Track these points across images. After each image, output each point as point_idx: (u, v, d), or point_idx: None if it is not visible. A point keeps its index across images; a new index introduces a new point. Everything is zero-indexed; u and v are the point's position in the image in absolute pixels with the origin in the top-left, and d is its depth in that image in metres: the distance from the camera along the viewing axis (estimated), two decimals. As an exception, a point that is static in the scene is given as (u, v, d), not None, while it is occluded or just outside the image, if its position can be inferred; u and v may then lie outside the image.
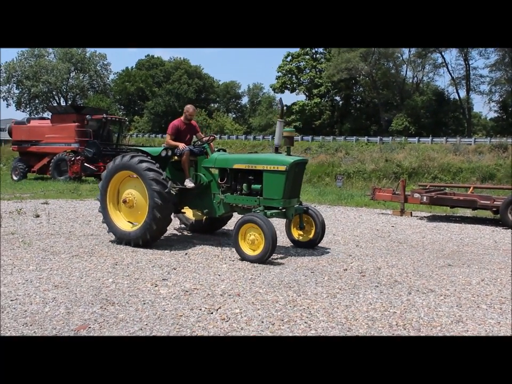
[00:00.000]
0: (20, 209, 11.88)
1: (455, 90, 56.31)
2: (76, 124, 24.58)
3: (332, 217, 12.56)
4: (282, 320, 4.68)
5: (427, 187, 14.71)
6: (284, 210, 7.74)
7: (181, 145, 8.41)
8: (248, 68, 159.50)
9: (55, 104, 65.24)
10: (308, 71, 60.91)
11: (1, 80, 72.02)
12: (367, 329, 4.48)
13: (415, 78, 59.03)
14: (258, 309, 4.98)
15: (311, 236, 8.21)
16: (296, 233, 8.40)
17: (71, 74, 73.99)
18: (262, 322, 4.61)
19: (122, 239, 8.13)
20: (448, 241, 9.42)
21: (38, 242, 8.23)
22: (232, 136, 47.34)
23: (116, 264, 6.79)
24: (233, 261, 7.14)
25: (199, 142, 8.71)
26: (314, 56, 61.64)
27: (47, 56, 73.14)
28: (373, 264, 7.22)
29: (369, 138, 37.81)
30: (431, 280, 6.35)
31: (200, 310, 4.94)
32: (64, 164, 23.83)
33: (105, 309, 4.94)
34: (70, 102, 71.16)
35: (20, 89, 73.05)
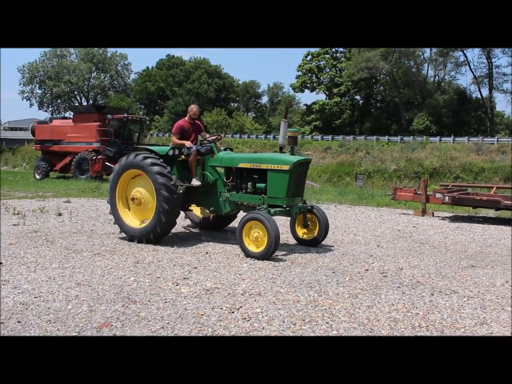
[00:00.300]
0: (43, 208, 12.03)
1: (477, 89, 55.60)
2: (98, 123, 24.83)
3: (352, 217, 12.50)
4: (303, 320, 4.66)
5: (449, 187, 14.57)
6: (288, 208, 7.85)
7: (187, 143, 8.61)
8: (267, 67, 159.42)
9: (77, 104, 65.89)
10: (328, 70, 60.62)
11: (24, 80, 72.94)
12: (389, 330, 4.44)
13: (437, 77, 58.43)
14: (280, 309, 4.97)
15: (315, 234, 8.30)
16: (300, 232, 8.49)
17: (93, 74, 74.61)
18: (283, 322, 4.60)
19: (134, 236, 8.29)
20: (471, 242, 9.31)
21: (60, 241, 8.31)
22: (252, 135, 47.26)
23: (137, 263, 6.83)
24: (253, 260, 7.13)
25: (205, 142, 8.84)
26: (334, 55, 61.36)
27: (69, 57, 73.89)
28: (395, 264, 7.16)
29: (390, 138, 37.46)
30: (454, 281, 6.27)
31: (221, 309, 4.94)
32: (85, 163, 24.09)
33: (127, 307, 4.97)
34: (91, 102, 71.83)
35: (43, 89, 73.88)
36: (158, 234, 8.05)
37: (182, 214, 9.33)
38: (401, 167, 28.68)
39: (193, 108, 9.18)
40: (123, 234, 8.70)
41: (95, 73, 75.09)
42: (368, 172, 28.69)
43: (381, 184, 25.83)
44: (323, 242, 8.40)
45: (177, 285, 5.77)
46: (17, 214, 11.23)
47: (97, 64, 73.46)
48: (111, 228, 9.75)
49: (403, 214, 13.53)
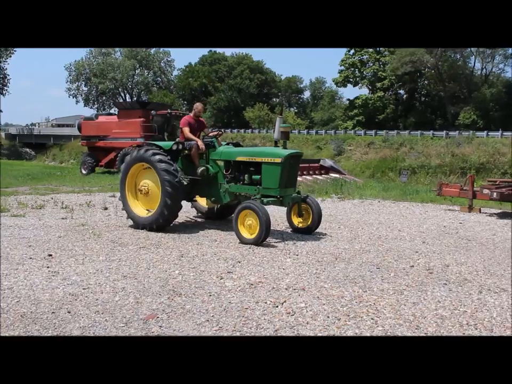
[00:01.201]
0: (89, 202, 12.31)
1: (527, 82, 53.91)
2: (142, 119, 25.16)
3: (396, 212, 12.32)
4: (348, 315, 4.63)
5: (497, 183, 14.16)
6: (281, 198, 8.40)
7: (200, 143, 9.20)
8: (310, 62, 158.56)
9: (121, 101, 67.03)
10: (371, 64, 59.78)
11: (71, 78, 74.58)
12: (436, 328, 4.37)
13: (484, 70, 56.79)
14: (324, 304, 4.95)
15: (308, 223, 8.83)
16: (296, 221, 9.01)
17: (136, 71, 75.67)
18: (328, 317, 4.58)
19: (139, 223, 9.01)
20: (520, 239, 9.04)
21: (107, 234, 8.49)
22: (294, 130, 47.04)
23: (182, 256, 6.92)
24: (297, 255, 7.12)
25: (207, 137, 9.55)
26: (377, 49, 60.48)
27: (114, 54, 75.12)
28: (441, 261, 7.02)
29: (434, 133, 36.61)
30: (503, 279, 6.11)
31: (266, 303, 4.95)
32: (130, 158, 24.44)
33: (172, 299, 5.04)
34: (135, 98, 72.94)
35: (88, 87, 75.38)
36: (160, 224, 8.76)
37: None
38: (446, 163, 28.05)
39: (198, 105, 9.94)
40: (168, 228, 8.92)
41: (139, 70, 76.16)
42: (412, 167, 28.16)
43: (426, 179, 25.31)
44: (362, 239, 8.33)
45: (221, 279, 5.81)
46: (65, 208, 11.53)
47: (141, 61, 74.45)
48: (182, 226, 9.90)
49: (449, 210, 13.24)
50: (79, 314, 4.59)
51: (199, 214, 10.78)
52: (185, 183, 8.80)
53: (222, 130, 11.63)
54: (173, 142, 9.19)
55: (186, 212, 10.93)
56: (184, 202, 9.25)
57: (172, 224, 9.16)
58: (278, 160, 8.20)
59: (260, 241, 7.69)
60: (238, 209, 8.04)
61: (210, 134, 9.54)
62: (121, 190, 9.45)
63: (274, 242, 8.03)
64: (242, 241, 7.90)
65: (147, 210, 9.14)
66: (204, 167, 9.12)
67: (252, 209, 7.80)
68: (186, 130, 9.39)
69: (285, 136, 8.69)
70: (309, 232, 8.78)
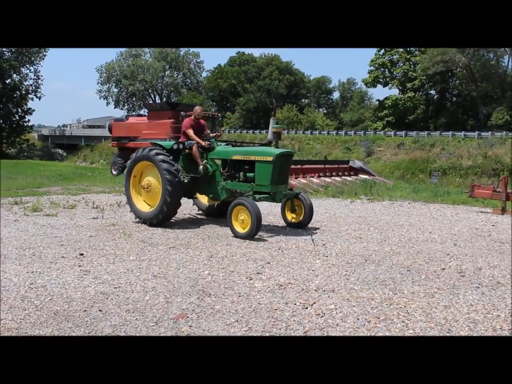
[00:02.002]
0: (120, 202, 12.45)
1: (562, 82, 52.65)
2: (171, 120, 25.35)
3: (427, 214, 12.16)
4: (378, 318, 4.59)
5: (531, 184, 13.88)
6: (273, 195, 8.97)
7: (203, 142, 9.73)
8: (339, 63, 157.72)
9: (151, 102, 67.66)
10: (401, 64, 59.12)
11: (102, 80, 75.68)
12: (468, 332, 4.29)
13: (518, 69, 55.76)
14: (354, 306, 4.92)
15: (301, 218, 9.42)
16: (289, 216, 9.64)
17: (166, 73, 76.36)
18: (358, 319, 4.55)
19: (140, 218, 9.64)
20: (555, 242, 8.83)
21: (137, 234, 8.59)
22: (323, 131, 46.73)
23: (211, 257, 6.95)
24: (326, 256, 7.09)
25: (207, 137, 10.07)
26: (408, 48, 59.79)
27: (143, 56, 75.99)
28: (473, 264, 6.90)
29: (466, 133, 35.98)
30: (537, 282, 5.98)
31: (295, 304, 4.94)
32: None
33: (202, 299, 5.07)
34: (164, 100, 73.57)
35: (119, 88, 76.35)
36: (159, 220, 9.32)
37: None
38: (478, 164, 27.59)
39: (197, 109, 10.46)
40: (196, 229, 9.06)
41: (169, 71, 76.85)
42: (443, 168, 27.77)
43: (457, 181, 24.94)
44: (391, 239, 8.24)
45: (250, 279, 5.82)
46: (96, 208, 11.69)
47: (170, 62, 75.13)
48: (184, 222, 9.99)
49: (481, 212, 13.02)
50: (110, 312, 4.65)
51: (200, 212, 11.35)
52: (186, 181, 9.34)
53: (222, 130, 12.72)
54: (173, 142, 9.84)
55: (193, 209, 11.55)
56: (186, 200, 9.89)
57: (173, 220, 9.89)
58: (270, 158, 8.76)
59: (252, 235, 8.21)
60: (231, 205, 8.57)
61: (211, 135, 10.16)
62: (126, 185, 10.11)
63: (303, 243, 8.00)
64: (236, 235, 8.44)
65: (150, 206, 9.71)
66: (205, 162, 9.63)
67: (244, 205, 8.33)
68: (191, 132, 9.89)
69: (277, 136, 9.47)
70: (301, 226, 9.37)
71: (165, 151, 9.50)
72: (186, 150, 9.77)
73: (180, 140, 10.02)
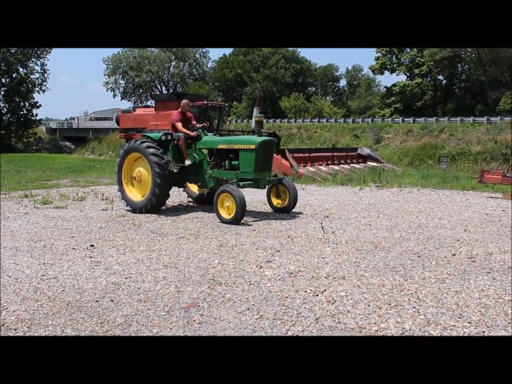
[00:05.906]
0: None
1: None
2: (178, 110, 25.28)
3: (436, 200, 12.12)
4: (389, 304, 4.59)
5: (541, 169, 13.76)
6: (257, 181, 9.32)
7: (192, 133, 10.11)
8: (345, 50, 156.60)
9: (158, 93, 67.60)
10: (409, 50, 58.63)
11: (108, 71, 75.70)
12: (480, 317, 4.28)
13: (526, 53, 55.17)
14: (364, 293, 4.92)
15: (285, 203, 9.78)
16: (275, 202, 10.02)
17: (172, 63, 76.25)
18: (369, 305, 4.55)
19: (131, 206, 10.10)
20: None
21: (146, 225, 8.62)
22: (330, 119, 46.54)
23: (221, 246, 6.96)
24: (336, 244, 7.09)
25: (194, 128, 10.40)
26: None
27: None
28: (484, 249, 6.87)
29: (475, 119, 35.71)
30: (549, 266, 5.95)
31: (306, 292, 4.95)
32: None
33: (213, 288, 5.08)
34: (171, 90, 73.48)
35: (125, 80, 76.40)
36: (153, 205, 9.77)
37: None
38: (487, 149, 27.42)
39: (184, 103, 10.68)
40: (206, 219, 9.09)
41: (174, 62, 76.73)
42: (452, 154, 27.62)
43: (466, 167, 24.80)
44: (399, 227, 8.21)
45: (261, 268, 5.83)
46: (105, 199, 11.75)
47: (176, 53, 74.96)
48: (194, 212, 10.02)
49: (491, 197, 12.95)
50: (122, 303, 4.68)
51: (190, 200, 11.83)
52: (175, 170, 9.75)
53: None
54: (161, 133, 10.22)
55: (186, 198, 12.20)
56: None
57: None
58: (253, 146, 9.11)
59: (237, 220, 8.56)
60: (217, 193, 8.94)
61: (197, 126, 10.42)
62: (118, 179, 10.57)
63: (313, 231, 8.00)
64: (222, 220, 8.80)
65: (141, 196, 10.12)
66: (190, 157, 10.03)
67: (228, 192, 8.69)
68: (179, 125, 10.24)
69: (259, 125, 10.36)
70: (286, 211, 9.73)
71: (155, 144, 9.90)
72: (175, 142, 10.09)
73: (168, 132, 10.39)
